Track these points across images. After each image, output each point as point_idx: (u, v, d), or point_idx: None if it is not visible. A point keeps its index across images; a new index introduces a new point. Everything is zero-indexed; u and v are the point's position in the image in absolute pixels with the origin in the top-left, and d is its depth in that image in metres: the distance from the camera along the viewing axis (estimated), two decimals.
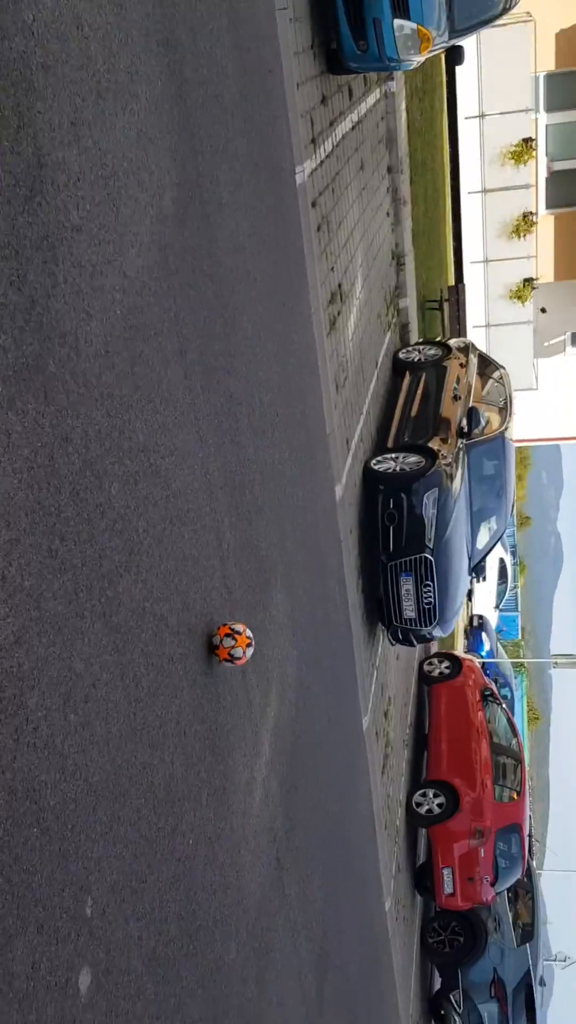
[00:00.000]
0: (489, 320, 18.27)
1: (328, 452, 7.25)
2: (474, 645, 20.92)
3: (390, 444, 9.54)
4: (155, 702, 3.55)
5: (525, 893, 14.05)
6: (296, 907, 5.71)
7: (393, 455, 9.18)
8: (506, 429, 10.88)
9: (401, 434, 9.70)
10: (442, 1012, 14.20)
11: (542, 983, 14.69)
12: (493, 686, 14.63)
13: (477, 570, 11.21)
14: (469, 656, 15.41)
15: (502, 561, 25.20)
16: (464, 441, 9.98)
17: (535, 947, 13.81)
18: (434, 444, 9.33)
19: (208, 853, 4.09)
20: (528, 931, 13.77)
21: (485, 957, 12.97)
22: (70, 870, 2.80)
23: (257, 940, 4.84)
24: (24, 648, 2.63)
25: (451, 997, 13.71)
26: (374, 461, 9.01)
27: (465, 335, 15.62)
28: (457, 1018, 13.91)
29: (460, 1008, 13.72)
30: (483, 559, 11.37)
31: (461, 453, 9.83)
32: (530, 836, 13.36)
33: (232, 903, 4.41)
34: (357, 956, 7.93)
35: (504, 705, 14.31)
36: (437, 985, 14.37)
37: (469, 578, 11.20)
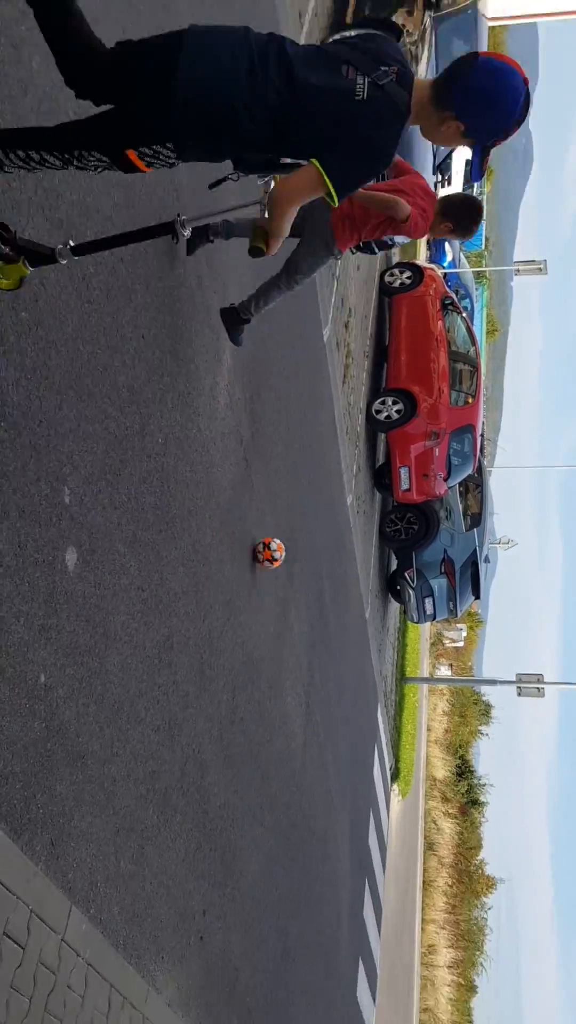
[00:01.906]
0: None
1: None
2: (436, 256, 20.45)
3: (348, 19, 8.44)
4: (109, 304, 3.47)
5: (475, 487, 15.28)
6: (264, 500, 6.16)
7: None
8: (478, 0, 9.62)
9: (361, 6, 8.54)
10: (398, 588, 16.16)
11: (487, 561, 16.56)
12: (454, 296, 14.57)
13: (442, 169, 10.61)
14: (431, 266, 15.10)
15: (468, 163, 23.77)
16: (432, 14, 8.86)
17: (482, 532, 15.35)
18: (399, 18, 8.28)
19: (178, 451, 4.28)
20: (476, 518, 15.22)
21: (437, 541, 14.45)
22: (43, 463, 2.92)
23: (228, 529, 5.27)
24: None
25: (406, 575, 15.50)
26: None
27: None
28: (411, 592, 15.86)
29: (414, 584, 15.59)
30: (447, 157, 10.69)
31: (428, 30, 8.78)
32: (482, 436, 14.20)
33: (204, 496, 4.72)
34: (323, 543, 8.76)
35: (464, 315, 14.37)
36: (393, 566, 16.17)
37: (434, 179, 10.62)
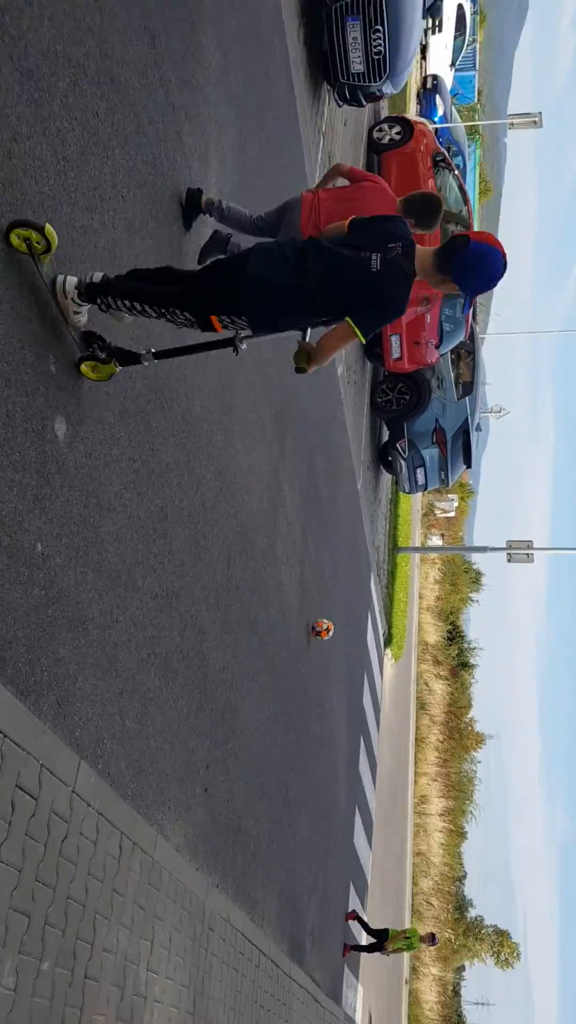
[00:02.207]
0: None
1: None
2: (427, 110, 19.47)
3: None
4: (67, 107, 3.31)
5: (467, 354, 15.08)
6: (253, 369, 6.07)
7: None
8: None
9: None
10: (389, 459, 16.18)
11: (478, 429, 16.54)
12: (446, 152, 13.97)
13: (432, 11, 9.96)
14: (422, 120, 14.41)
15: (460, 8, 22.30)
16: None
17: (474, 400, 15.24)
18: None
19: None
20: (468, 387, 15.09)
21: (428, 410, 14.38)
22: (26, 329, 2.85)
23: (219, 397, 5.22)
24: None
25: (397, 446, 15.49)
26: None
27: None
28: (403, 462, 15.89)
29: (405, 454, 15.60)
30: (437, 1, 10.01)
31: None
32: (474, 301, 13.90)
33: (192, 363, 4.64)
34: (313, 414, 8.72)
35: (456, 172, 13.81)
36: (385, 437, 16.15)
37: (423, 23, 9.99)
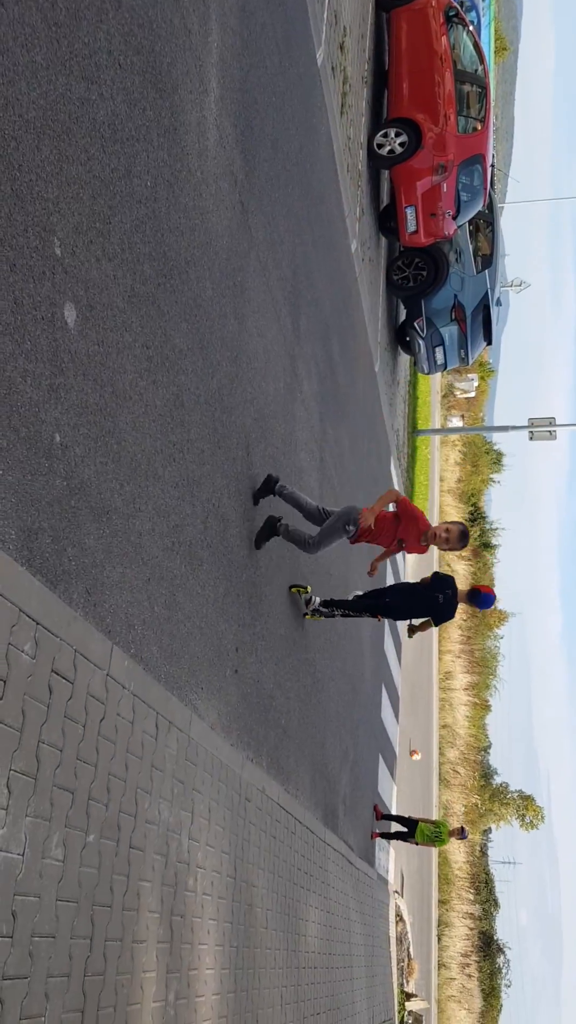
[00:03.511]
0: None
1: None
2: None
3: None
4: (78, 26, 3.12)
5: (486, 225, 14.54)
6: (265, 249, 5.88)
7: None
8: None
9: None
10: (407, 339, 15.84)
11: (498, 304, 16.09)
12: (458, 7, 13.09)
13: None
14: None
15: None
16: None
17: (493, 273, 14.77)
18: None
19: (169, 195, 4.02)
20: (487, 259, 14.60)
21: (446, 286, 13.97)
22: (28, 211, 2.74)
23: (231, 279, 5.07)
24: None
25: (415, 324, 15.14)
26: None
27: None
28: (421, 342, 15.55)
29: (424, 333, 15.26)
30: None
31: None
32: (493, 167, 13.30)
33: (201, 244, 4.50)
34: (328, 294, 8.49)
35: (471, 28, 12.97)
36: (402, 316, 15.77)
37: None
